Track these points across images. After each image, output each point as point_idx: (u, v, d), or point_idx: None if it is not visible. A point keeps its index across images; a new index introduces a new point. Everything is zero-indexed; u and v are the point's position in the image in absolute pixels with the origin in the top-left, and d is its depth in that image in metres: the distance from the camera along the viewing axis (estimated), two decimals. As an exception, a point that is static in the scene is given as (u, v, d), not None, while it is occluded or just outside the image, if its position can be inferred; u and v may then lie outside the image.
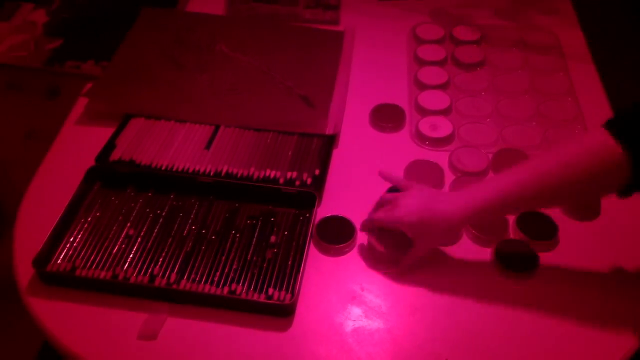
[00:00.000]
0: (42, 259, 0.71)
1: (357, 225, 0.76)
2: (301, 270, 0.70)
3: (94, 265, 0.72)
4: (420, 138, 0.90)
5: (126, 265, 0.72)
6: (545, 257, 0.74)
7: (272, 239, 0.75)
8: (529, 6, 1.15)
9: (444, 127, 0.91)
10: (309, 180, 0.81)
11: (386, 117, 0.93)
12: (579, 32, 1.10)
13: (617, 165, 0.58)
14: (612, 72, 1.06)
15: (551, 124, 0.92)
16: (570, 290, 0.71)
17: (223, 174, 0.82)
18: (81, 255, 0.73)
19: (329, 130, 0.88)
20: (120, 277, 0.71)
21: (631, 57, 1.39)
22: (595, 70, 1.02)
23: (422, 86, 0.98)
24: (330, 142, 0.87)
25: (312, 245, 0.75)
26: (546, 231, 0.76)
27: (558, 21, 1.12)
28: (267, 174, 0.82)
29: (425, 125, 0.91)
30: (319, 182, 0.81)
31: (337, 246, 0.75)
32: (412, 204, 0.68)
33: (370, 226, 0.73)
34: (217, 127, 0.89)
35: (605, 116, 0.94)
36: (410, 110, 0.94)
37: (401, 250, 0.71)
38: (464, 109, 0.94)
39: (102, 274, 0.71)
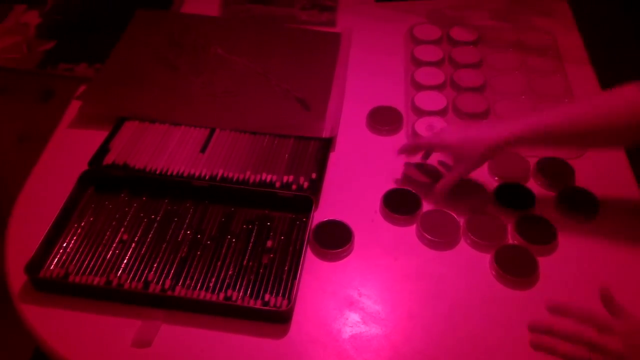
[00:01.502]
0: (35, 265, 0.70)
1: (354, 230, 0.76)
2: (298, 276, 0.69)
3: (87, 271, 0.71)
4: (417, 139, 0.89)
5: (120, 271, 0.71)
6: (545, 262, 0.73)
7: (269, 243, 0.74)
8: (526, 8, 1.15)
9: (440, 127, 0.90)
10: (305, 184, 0.81)
11: (383, 120, 0.92)
12: (576, 33, 1.10)
13: None
14: (609, 73, 1.05)
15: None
16: (570, 295, 0.70)
17: (218, 178, 0.81)
18: (74, 261, 0.72)
19: (325, 134, 0.88)
20: (114, 283, 0.70)
21: (628, 58, 1.38)
22: (593, 71, 1.01)
23: (418, 87, 0.98)
24: (327, 145, 0.86)
25: (308, 250, 0.74)
26: (545, 235, 0.75)
27: (555, 23, 1.11)
28: (263, 177, 0.81)
29: (422, 126, 0.90)
30: (316, 186, 0.81)
31: (334, 251, 0.74)
32: (455, 129, 0.79)
33: (412, 148, 0.82)
34: (212, 130, 0.88)
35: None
36: (406, 111, 0.94)
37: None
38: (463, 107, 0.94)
39: (96, 280, 0.70)
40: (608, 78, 1.01)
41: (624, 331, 0.57)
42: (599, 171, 0.85)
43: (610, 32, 1.37)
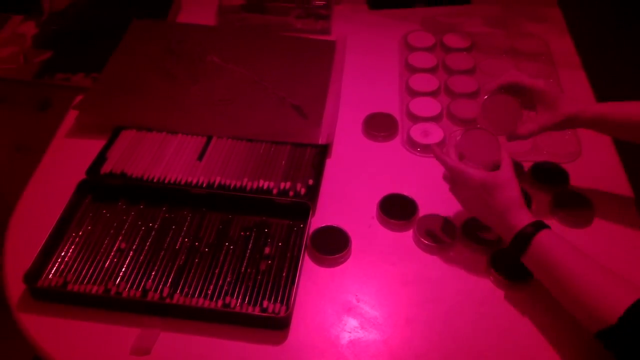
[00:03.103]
0: (33, 274, 0.70)
1: (352, 235, 0.76)
2: (296, 282, 0.70)
3: (85, 280, 0.71)
4: (412, 145, 0.90)
5: (118, 279, 0.71)
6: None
7: (266, 250, 0.75)
8: (518, 14, 1.16)
9: (435, 133, 0.91)
10: (302, 191, 0.81)
11: (379, 126, 0.93)
12: (568, 38, 1.11)
13: None
14: (602, 77, 1.07)
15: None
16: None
17: (216, 185, 0.82)
18: (73, 270, 0.72)
19: (322, 140, 0.88)
20: (113, 291, 0.70)
21: (620, 62, 1.40)
22: (585, 76, 1.02)
23: (413, 93, 0.99)
24: (323, 151, 0.87)
25: (306, 256, 0.75)
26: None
27: (547, 28, 1.13)
28: (261, 184, 0.82)
29: (417, 132, 0.91)
30: (313, 192, 0.81)
31: (331, 257, 0.74)
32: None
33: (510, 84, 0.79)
34: (209, 138, 0.89)
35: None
36: (402, 118, 0.94)
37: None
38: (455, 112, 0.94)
39: (94, 289, 0.70)
40: (601, 82, 1.03)
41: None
42: (593, 174, 0.85)
43: (602, 36, 1.39)
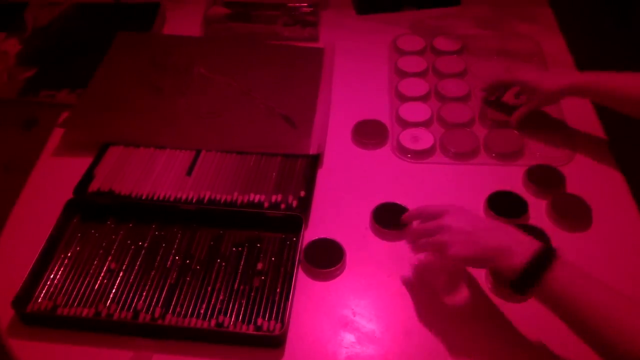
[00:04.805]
0: (22, 299, 0.69)
1: (346, 247, 0.75)
2: (290, 298, 0.68)
3: (75, 303, 0.70)
4: (402, 151, 0.89)
5: (109, 301, 0.70)
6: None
7: (259, 266, 0.73)
8: (508, 15, 1.15)
9: (425, 138, 0.89)
10: (294, 203, 0.80)
11: (369, 134, 0.91)
12: (560, 38, 1.10)
13: None
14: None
15: (533, 131, 0.91)
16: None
17: (206, 200, 0.80)
18: (62, 293, 0.71)
19: (312, 150, 0.87)
20: (104, 314, 0.69)
21: (612, 60, 1.39)
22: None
23: (403, 98, 0.98)
24: (314, 162, 0.86)
25: (300, 271, 0.73)
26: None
27: (538, 28, 1.12)
28: (251, 198, 0.80)
29: (406, 138, 0.90)
30: (305, 204, 0.80)
31: (326, 270, 0.73)
32: (531, 69, 0.93)
33: (494, 86, 0.94)
34: (198, 152, 0.87)
35: (588, 120, 0.94)
36: (391, 123, 0.93)
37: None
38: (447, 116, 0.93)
39: (85, 312, 0.69)
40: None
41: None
42: (590, 177, 0.84)
43: (593, 35, 1.38)
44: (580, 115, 0.93)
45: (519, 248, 0.59)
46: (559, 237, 0.76)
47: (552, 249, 0.59)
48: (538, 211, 0.80)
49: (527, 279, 0.58)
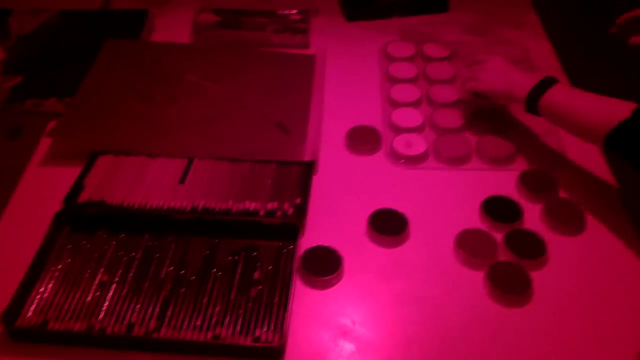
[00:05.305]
0: (11, 314, 0.67)
1: (343, 254, 0.74)
2: (288, 307, 0.67)
3: (67, 317, 0.68)
4: (396, 157, 0.88)
5: (102, 314, 0.68)
6: (537, 276, 0.72)
7: (256, 275, 0.72)
8: (496, 21, 1.16)
9: (418, 144, 0.89)
10: (290, 210, 0.79)
11: (362, 139, 0.91)
12: (547, 43, 1.11)
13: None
14: (582, 81, 1.07)
15: (524, 135, 0.92)
16: (566, 309, 0.70)
17: (200, 209, 0.79)
18: (53, 307, 0.69)
19: (307, 157, 0.86)
20: (96, 328, 0.67)
21: (599, 65, 1.41)
22: (567, 80, 1.02)
23: (395, 104, 0.97)
24: (309, 168, 0.85)
25: (298, 279, 0.72)
26: (535, 249, 0.75)
27: (526, 34, 1.13)
28: (247, 206, 0.79)
29: (400, 144, 0.89)
30: (301, 211, 0.79)
31: (324, 278, 0.72)
32: (495, 75, 0.88)
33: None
34: (190, 160, 0.86)
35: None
36: (384, 129, 0.93)
37: None
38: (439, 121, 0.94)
39: (77, 326, 0.67)
40: (581, 85, 1.02)
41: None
42: (582, 181, 0.85)
43: (580, 40, 1.40)
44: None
45: (527, 82, 0.81)
46: (554, 241, 0.76)
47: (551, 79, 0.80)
48: (532, 216, 0.80)
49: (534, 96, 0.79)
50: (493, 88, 0.87)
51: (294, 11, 1.15)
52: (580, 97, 0.77)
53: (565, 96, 0.78)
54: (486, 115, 0.94)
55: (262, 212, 0.78)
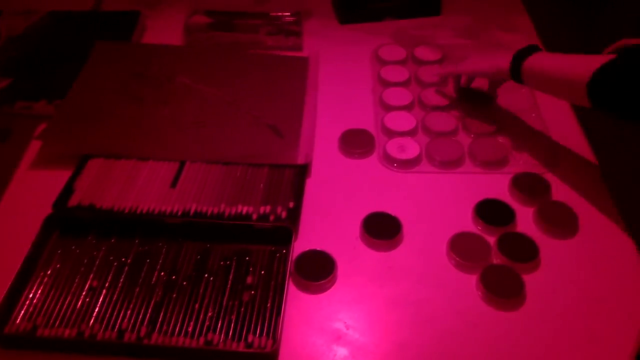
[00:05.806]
0: (0, 320, 0.66)
1: (337, 258, 0.73)
2: (282, 312, 0.67)
3: (56, 323, 0.67)
4: (389, 160, 0.88)
5: (92, 320, 0.67)
6: (530, 279, 0.72)
7: (249, 280, 0.72)
8: (488, 24, 1.16)
9: (411, 148, 0.89)
10: (283, 214, 0.78)
11: (355, 143, 0.91)
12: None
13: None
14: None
15: (516, 139, 0.92)
16: (559, 312, 0.70)
17: (192, 213, 0.78)
18: (42, 313, 0.68)
19: (300, 160, 0.86)
20: (87, 334, 0.66)
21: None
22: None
23: (387, 107, 0.97)
24: (302, 172, 0.84)
25: (291, 284, 0.72)
26: (527, 252, 0.75)
27: (518, 37, 1.13)
28: (239, 210, 0.79)
29: (393, 147, 0.89)
30: (294, 215, 0.78)
31: (317, 282, 0.71)
32: (481, 57, 0.92)
33: (445, 77, 1.01)
34: (182, 163, 0.85)
35: (569, 127, 0.94)
36: (377, 133, 0.93)
37: None
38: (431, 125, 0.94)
39: (67, 332, 0.66)
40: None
41: None
42: (574, 183, 0.85)
43: (571, 44, 1.41)
44: (560, 121, 0.95)
45: (510, 54, 0.85)
46: (546, 244, 0.76)
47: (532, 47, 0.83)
48: (525, 219, 0.80)
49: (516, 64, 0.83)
50: (479, 66, 0.92)
51: (287, 13, 1.14)
52: (562, 56, 0.79)
53: (547, 59, 0.81)
54: (470, 96, 0.97)
55: (254, 216, 0.78)
